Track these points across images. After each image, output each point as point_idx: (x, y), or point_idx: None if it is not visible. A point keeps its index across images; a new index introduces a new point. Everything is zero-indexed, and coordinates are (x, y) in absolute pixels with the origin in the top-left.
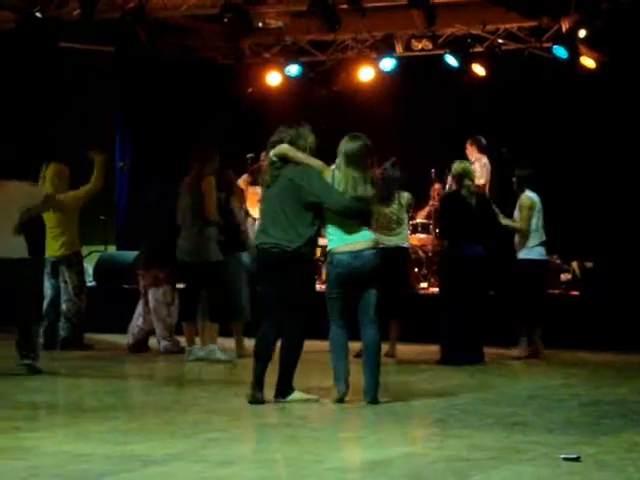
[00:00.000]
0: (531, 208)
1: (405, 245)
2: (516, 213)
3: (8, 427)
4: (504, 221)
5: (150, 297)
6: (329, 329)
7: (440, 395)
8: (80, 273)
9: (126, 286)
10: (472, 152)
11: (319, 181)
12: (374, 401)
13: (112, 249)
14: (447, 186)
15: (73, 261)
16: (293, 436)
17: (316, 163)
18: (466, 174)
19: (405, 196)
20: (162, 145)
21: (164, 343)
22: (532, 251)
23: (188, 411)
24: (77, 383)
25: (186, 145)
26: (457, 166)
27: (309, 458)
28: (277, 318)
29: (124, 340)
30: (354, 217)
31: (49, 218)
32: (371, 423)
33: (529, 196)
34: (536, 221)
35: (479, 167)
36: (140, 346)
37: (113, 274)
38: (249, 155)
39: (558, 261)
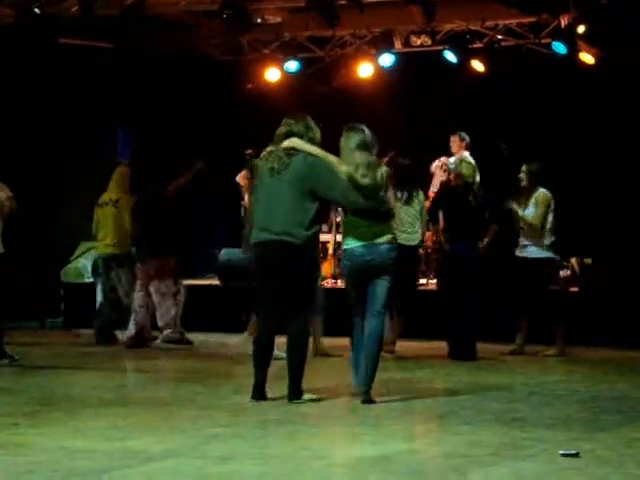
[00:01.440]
0: (549, 205)
1: (419, 243)
2: (531, 209)
3: (7, 423)
4: (520, 213)
5: (153, 289)
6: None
7: (439, 391)
8: (130, 272)
9: None
10: (454, 148)
11: (332, 176)
12: (364, 390)
13: None
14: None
15: (124, 259)
16: (293, 432)
17: (331, 158)
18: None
19: (422, 194)
20: (162, 141)
21: (167, 331)
22: (549, 250)
23: (188, 407)
24: (76, 379)
25: (184, 142)
26: (461, 164)
27: (309, 454)
28: (273, 315)
29: (123, 335)
30: (370, 217)
31: (105, 215)
32: (370, 420)
33: (546, 193)
34: (552, 220)
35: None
36: (138, 341)
37: None
38: (248, 151)
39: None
